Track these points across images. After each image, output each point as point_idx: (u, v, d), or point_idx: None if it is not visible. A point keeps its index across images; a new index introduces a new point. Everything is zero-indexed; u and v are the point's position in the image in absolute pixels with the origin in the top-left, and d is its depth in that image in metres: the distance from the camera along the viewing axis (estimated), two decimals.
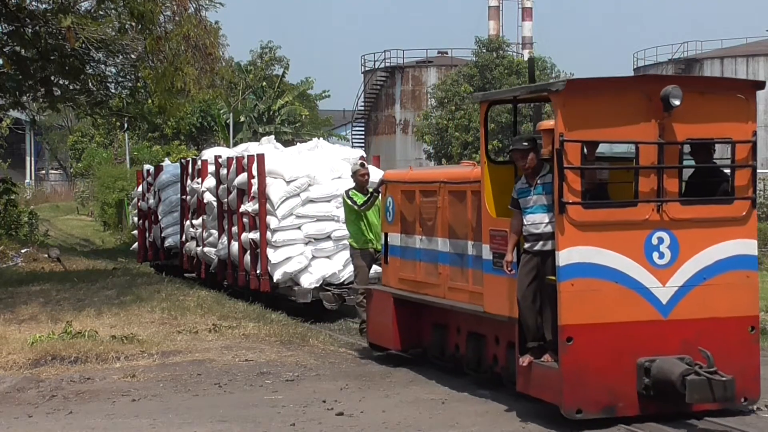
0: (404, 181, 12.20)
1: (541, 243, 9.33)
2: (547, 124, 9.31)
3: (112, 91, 26.02)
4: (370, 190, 13.60)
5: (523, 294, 9.36)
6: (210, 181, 19.49)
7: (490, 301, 10.06)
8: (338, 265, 16.80)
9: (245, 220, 17.52)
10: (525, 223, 9.46)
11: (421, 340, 12.05)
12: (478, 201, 10.20)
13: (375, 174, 17.57)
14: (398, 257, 12.15)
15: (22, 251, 26.49)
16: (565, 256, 8.95)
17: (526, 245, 9.47)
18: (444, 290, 11.10)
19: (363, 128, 64.31)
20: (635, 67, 62.28)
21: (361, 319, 13.56)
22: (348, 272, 16.96)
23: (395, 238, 12.20)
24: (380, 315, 12.35)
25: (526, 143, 9.55)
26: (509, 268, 9.52)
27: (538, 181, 9.46)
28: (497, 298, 9.90)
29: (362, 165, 14.22)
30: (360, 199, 13.61)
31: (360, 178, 13.91)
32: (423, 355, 12.08)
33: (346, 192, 13.88)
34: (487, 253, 10.03)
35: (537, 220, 9.39)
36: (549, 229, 9.27)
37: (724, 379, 8.73)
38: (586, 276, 8.98)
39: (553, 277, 9.11)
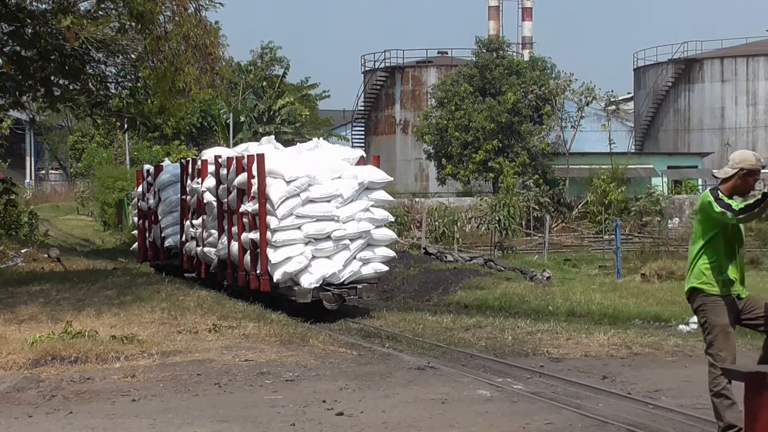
0: None
1: None
2: None
3: (112, 91, 26.08)
4: (757, 193, 7.82)
5: None
6: (210, 181, 19.50)
7: None
8: (338, 265, 16.80)
9: (245, 220, 17.52)
10: None
11: None
12: None
13: (374, 175, 17.62)
14: None
15: (22, 251, 26.48)
16: None
17: None
18: None
19: (363, 128, 64.32)
20: (635, 67, 62.39)
21: (725, 423, 7.60)
22: (348, 272, 16.95)
23: None
24: None
25: None
26: None
27: None
28: None
29: (758, 160, 7.94)
30: (737, 204, 7.75)
31: (746, 179, 7.88)
32: None
33: (713, 192, 7.86)
34: None
35: None
36: None
37: None
38: None
39: None
